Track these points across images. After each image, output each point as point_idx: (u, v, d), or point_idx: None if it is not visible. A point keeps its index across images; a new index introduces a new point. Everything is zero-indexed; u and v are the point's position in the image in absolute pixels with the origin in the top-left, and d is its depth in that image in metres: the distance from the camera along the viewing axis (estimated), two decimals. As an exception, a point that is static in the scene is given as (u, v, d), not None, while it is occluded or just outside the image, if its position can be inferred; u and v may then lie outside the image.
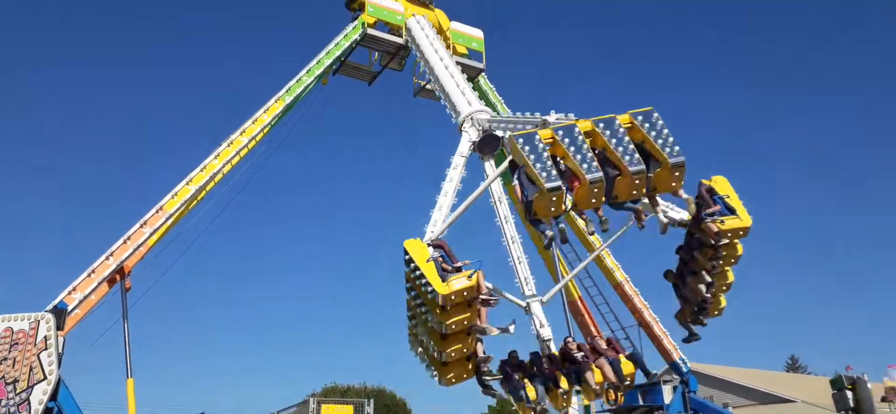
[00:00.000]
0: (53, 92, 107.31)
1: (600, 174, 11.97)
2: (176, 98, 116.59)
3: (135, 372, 15.67)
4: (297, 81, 19.76)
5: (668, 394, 23.57)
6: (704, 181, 14.14)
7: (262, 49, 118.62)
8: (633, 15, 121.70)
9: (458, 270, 11.95)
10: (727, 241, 13.54)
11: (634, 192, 12.42)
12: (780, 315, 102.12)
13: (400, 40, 22.20)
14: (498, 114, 23.60)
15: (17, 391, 13.91)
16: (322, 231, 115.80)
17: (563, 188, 11.84)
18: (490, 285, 12.57)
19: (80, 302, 15.41)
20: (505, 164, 15.15)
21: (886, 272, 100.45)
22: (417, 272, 11.89)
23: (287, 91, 19.48)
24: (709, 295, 14.41)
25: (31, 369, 14.15)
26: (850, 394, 21.26)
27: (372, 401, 13.44)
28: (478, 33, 24.35)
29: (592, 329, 24.74)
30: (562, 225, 12.76)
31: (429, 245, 12.44)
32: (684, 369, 23.81)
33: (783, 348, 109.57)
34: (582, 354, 14.21)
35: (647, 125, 12.47)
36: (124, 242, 16.29)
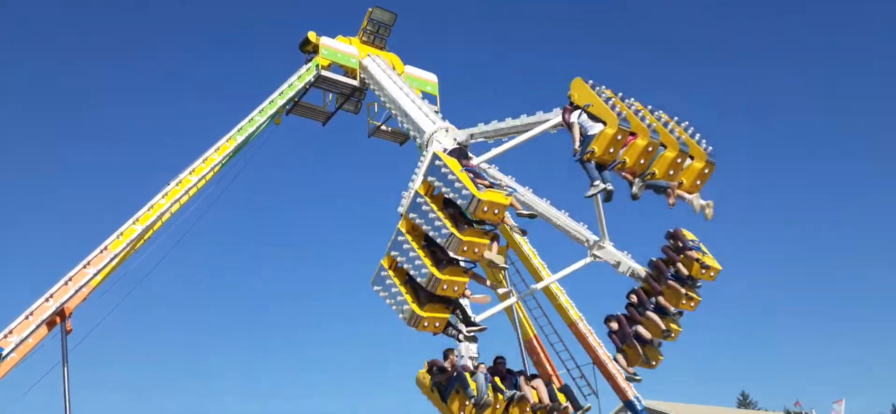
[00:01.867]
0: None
1: (658, 137, 12.64)
2: (128, 132, 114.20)
3: (74, 418, 15.07)
4: (250, 121, 19.70)
5: (623, 433, 23.76)
6: (670, 230, 15.17)
7: (213, 89, 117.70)
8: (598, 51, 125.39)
9: (490, 186, 11.82)
10: (705, 276, 14.43)
11: (671, 173, 12.89)
12: (730, 351, 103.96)
13: (354, 83, 22.44)
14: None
15: (-54, 440, 13.22)
16: (273, 272, 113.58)
17: (630, 133, 12.33)
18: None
19: (17, 345, 14.85)
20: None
21: (836, 308, 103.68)
22: (450, 177, 11.55)
23: (238, 130, 19.40)
24: (666, 329, 14.81)
25: (-40, 417, 13.47)
26: (799, 428, 21.84)
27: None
28: (432, 77, 24.74)
29: (548, 367, 24.86)
30: (610, 186, 12.60)
31: (457, 157, 12.42)
32: (639, 407, 24.02)
33: (734, 384, 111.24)
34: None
35: (683, 124, 13.41)
36: (65, 283, 15.82)
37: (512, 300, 18.33)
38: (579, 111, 12.76)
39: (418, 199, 12.17)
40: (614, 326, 15.21)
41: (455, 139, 16.79)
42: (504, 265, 12.91)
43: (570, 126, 12.76)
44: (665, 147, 12.89)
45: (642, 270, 15.42)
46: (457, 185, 11.48)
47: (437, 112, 19.20)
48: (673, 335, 14.72)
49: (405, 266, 12.20)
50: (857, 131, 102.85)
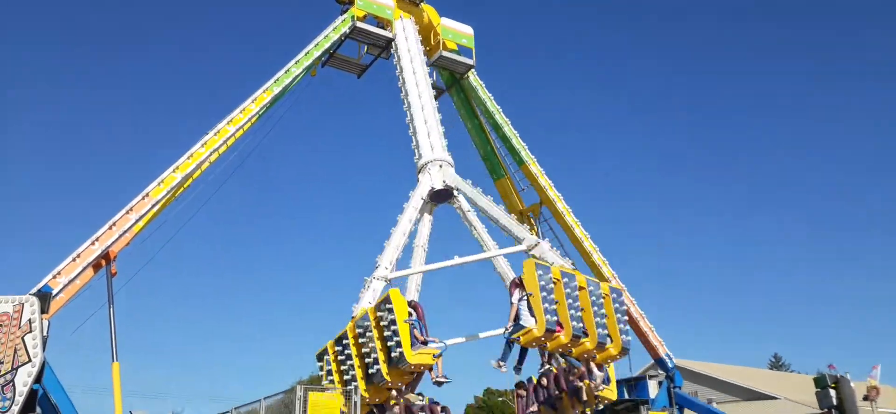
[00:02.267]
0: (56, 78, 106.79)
1: (582, 334, 14.13)
2: (166, 89, 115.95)
3: (120, 356, 15.66)
4: (286, 72, 19.78)
5: (653, 389, 23.78)
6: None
7: (251, 41, 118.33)
8: (629, 13, 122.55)
9: (425, 343, 13.53)
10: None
11: (584, 356, 14.65)
12: (764, 314, 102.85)
13: (389, 34, 22.30)
14: (490, 112, 23.84)
15: (2, 373, 13.86)
16: (311, 221, 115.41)
17: (556, 331, 13.76)
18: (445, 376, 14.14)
19: (65, 286, 15.37)
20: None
21: (872, 275, 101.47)
22: (393, 327, 13.39)
23: (275, 81, 19.51)
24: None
25: (15, 351, 14.09)
26: (833, 392, 21.48)
27: (358, 389, 13.49)
28: (468, 30, 24.50)
29: (579, 324, 24.95)
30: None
31: (408, 304, 13.97)
32: (670, 365, 24.02)
33: (767, 346, 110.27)
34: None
35: (616, 305, 15.03)
36: (110, 228, 16.24)
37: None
38: (521, 295, 14.02)
39: (365, 322, 14.18)
40: (522, 393, 15.70)
41: (444, 180, 18.70)
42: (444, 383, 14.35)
43: (510, 302, 14.24)
44: (586, 336, 14.39)
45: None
46: (396, 338, 13.37)
47: (442, 139, 20.00)
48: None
49: (339, 359, 14.66)
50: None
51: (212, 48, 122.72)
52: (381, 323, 13.70)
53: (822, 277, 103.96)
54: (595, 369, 14.77)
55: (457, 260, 16.90)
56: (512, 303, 14.13)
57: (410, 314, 13.71)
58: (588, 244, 23.62)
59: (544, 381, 15.12)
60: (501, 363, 14.10)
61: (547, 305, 13.72)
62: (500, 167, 24.92)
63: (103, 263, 16.38)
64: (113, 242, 16.20)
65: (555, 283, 14.07)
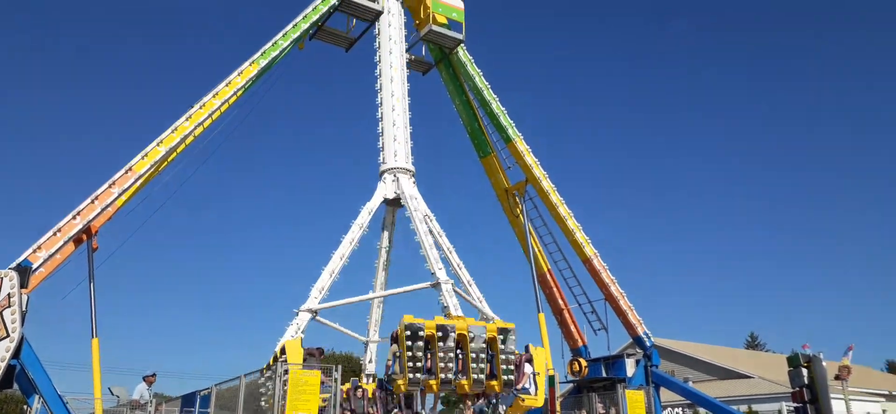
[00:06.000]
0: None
1: (452, 378, 14.53)
2: (149, 65, 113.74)
3: (100, 332, 15.59)
4: (273, 45, 19.41)
5: (630, 367, 24.16)
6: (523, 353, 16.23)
7: (236, 13, 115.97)
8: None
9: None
10: None
11: (472, 389, 14.99)
12: (740, 294, 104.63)
13: (377, 7, 21.94)
14: (478, 88, 23.65)
15: (-20, 348, 13.73)
16: (296, 193, 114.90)
17: (420, 385, 14.30)
18: None
19: (45, 261, 15.20)
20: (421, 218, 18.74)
21: (849, 258, 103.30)
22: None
23: (262, 54, 19.15)
24: None
25: (-7, 326, 13.94)
26: (805, 371, 21.94)
27: (339, 367, 13.58)
28: (459, 4, 24.17)
29: (560, 302, 25.20)
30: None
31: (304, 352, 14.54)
32: (648, 343, 24.39)
33: (745, 326, 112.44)
34: None
35: (502, 346, 15.14)
36: (92, 202, 16.02)
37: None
38: (396, 347, 14.50)
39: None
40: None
41: (395, 191, 20.55)
42: None
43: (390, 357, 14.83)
44: (464, 376, 14.73)
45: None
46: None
47: (408, 145, 21.32)
48: None
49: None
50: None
51: (198, 26, 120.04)
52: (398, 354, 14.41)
53: (801, 259, 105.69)
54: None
55: (372, 295, 20.99)
56: (389, 355, 15.03)
57: (310, 356, 14.39)
58: (571, 223, 23.78)
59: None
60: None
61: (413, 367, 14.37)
62: (487, 144, 24.84)
63: (84, 237, 16.17)
64: (95, 217, 15.98)
65: (428, 340, 14.56)
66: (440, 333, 14.48)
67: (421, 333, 14.20)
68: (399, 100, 21.61)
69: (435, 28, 23.13)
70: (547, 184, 23.77)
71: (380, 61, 22.26)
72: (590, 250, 23.90)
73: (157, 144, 17.07)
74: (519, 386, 15.36)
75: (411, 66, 23.86)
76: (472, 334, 14.88)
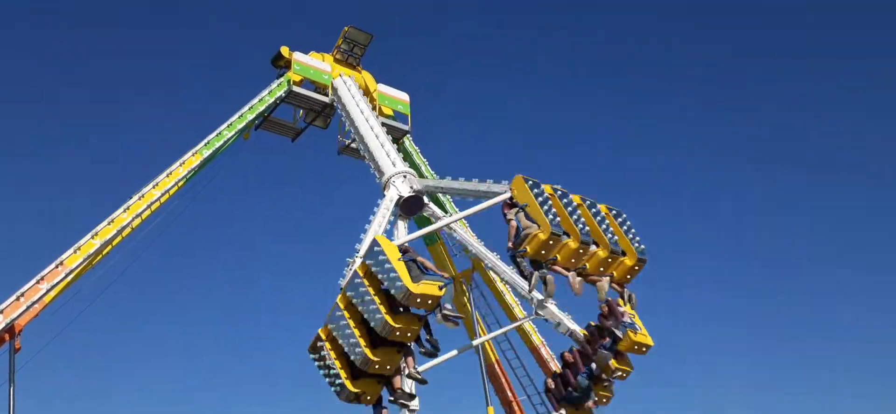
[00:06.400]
0: None
1: (590, 239, 13.44)
2: (94, 145, 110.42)
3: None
4: (218, 135, 19.32)
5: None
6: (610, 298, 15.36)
7: (180, 102, 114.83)
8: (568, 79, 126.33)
9: (426, 270, 12.44)
10: (637, 351, 14.79)
11: (601, 269, 13.98)
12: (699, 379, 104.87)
13: (325, 99, 22.18)
14: (424, 176, 23.90)
15: None
16: (237, 287, 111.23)
17: (562, 236, 12.97)
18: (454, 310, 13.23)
19: (-38, 363, 14.19)
20: (427, 229, 17.50)
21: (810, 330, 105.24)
22: (387, 265, 12.05)
23: (206, 144, 18.99)
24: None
25: None
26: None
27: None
28: (404, 96, 24.72)
29: (508, 393, 24.89)
30: (549, 275, 13.62)
31: (398, 247, 12.70)
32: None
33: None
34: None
35: (619, 219, 14.48)
36: (17, 299, 15.19)
37: (479, 339, 18.73)
38: (517, 209, 13.47)
39: (356, 279, 12.67)
40: (551, 384, 15.45)
41: (412, 187, 17.11)
42: (456, 321, 13.45)
43: (507, 221, 13.57)
44: (598, 245, 13.87)
45: (581, 333, 15.65)
46: (392, 274, 12.06)
47: (400, 153, 19.28)
48: (605, 401, 15.12)
49: (340, 342, 12.65)
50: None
51: (145, 110, 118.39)
52: (373, 270, 12.34)
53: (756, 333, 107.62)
54: (619, 308, 14.27)
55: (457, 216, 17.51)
56: (508, 221, 13.50)
57: (405, 252, 12.63)
58: (518, 311, 23.80)
59: (568, 357, 14.94)
60: (532, 283, 13.47)
61: (547, 213, 13.19)
62: (434, 233, 24.91)
63: (7, 337, 15.23)
64: (19, 315, 15.12)
65: (549, 197, 13.50)
66: (559, 194, 13.49)
67: (542, 190, 13.20)
68: (375, 122, 20.29)
69: (382, 120, 23.45)
70: (492, 271, 23.87)
71: (344, 105, 21.17)
72: (537, 339, 23.89)
73: (92, 237, 16.45)
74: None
75: (357, 156, 23.90)
76: (587, 203, 14.07)
